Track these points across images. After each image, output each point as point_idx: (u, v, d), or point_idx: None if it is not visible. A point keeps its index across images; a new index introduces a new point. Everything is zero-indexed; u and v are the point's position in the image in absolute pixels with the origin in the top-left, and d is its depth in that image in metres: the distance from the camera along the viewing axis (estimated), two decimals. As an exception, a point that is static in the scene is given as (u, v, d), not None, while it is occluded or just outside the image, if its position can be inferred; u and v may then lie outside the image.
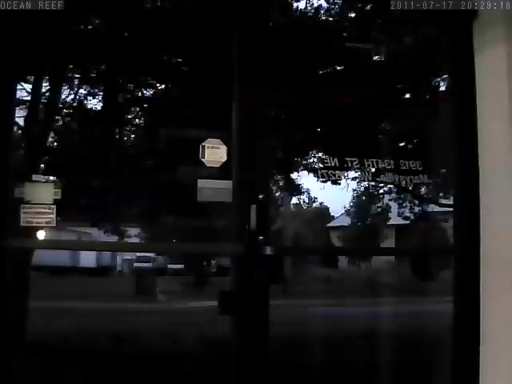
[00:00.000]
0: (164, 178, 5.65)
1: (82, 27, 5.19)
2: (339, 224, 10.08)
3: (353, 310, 8.70)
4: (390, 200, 8.17)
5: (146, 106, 6.13)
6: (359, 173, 3.30)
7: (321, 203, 10.03)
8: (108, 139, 6.00)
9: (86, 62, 5.45)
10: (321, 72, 5.66)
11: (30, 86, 5.15)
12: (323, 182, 4.89)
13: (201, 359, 5.32)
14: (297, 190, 7.86)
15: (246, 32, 2.71)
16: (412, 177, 3.18)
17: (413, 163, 3.15)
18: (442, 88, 4.73)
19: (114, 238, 8.00)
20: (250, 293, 2.55)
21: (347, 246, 8.69)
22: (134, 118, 6.38)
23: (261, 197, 2.58)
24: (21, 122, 5.00)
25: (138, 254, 10.66)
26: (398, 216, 7.94)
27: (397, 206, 7.87)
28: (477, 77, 2.86)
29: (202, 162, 2.81)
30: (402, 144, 5.41)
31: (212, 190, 2.75)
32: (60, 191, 2.79)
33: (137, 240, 8.97)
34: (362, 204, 9.16)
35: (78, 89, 5.79)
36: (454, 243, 3.04)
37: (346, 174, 3.37)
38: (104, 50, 5.18)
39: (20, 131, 5.13)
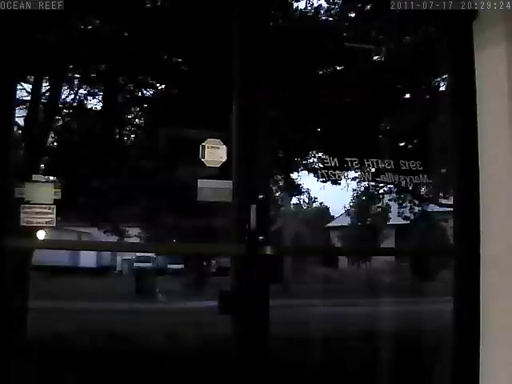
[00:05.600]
0: (164, 178, 5.65)
1: (82, 27, 5.19)
2: (339, 224, 10.06)
3: (352, 309, 8.69)
4: (390, 200, 8.15)
5: (146, 105, 6.13)
6: (359, 173, 3.29)
7: (321, 203, 10.01)
8: (108, 139, 6.00)
9: (86, 62, 5.45)
10: (320, 72, 5.66)
11: (30, 86, 5.15)
12: (323, 181, 4.89)
13: (201, 359, 5.31)
14: (297, 189, 7.85)
15: (246, 32, 2.71)
16: (412, 177, 3.18)
17: (413, 163, 3.15)
18: (442, 88, 4.73)
19: (114, 238, 7.98)
20: (249, 293, 2.54)
21: (347, 246, 8.68)
22: (134, 117, 6.38)
23: (261, 197, 2.58)
24: (21, 122, 5.00)
25: (137, 253, 10.63)
26: (398, 216, 7.93)
27: (397, 206, 7.86)
28: (477, 76, 2.86)
29: (202, 162, 2.81)
30: (402, 144, 5.40)
31: (212, 189, 2.75)
32: (60, 191, 2.78)
33: (137, 240, 8.94)
34: (362, 204, 9.14)
35: (78, 89, 5.78)
36: (453, 243, 3.04)
37: (346, 174, 3.37)
38: (104, 49, 5.18)
39: (20, 131, 5.12)
